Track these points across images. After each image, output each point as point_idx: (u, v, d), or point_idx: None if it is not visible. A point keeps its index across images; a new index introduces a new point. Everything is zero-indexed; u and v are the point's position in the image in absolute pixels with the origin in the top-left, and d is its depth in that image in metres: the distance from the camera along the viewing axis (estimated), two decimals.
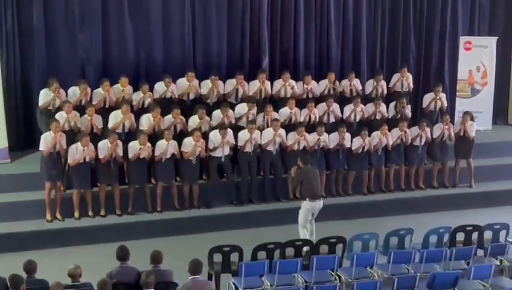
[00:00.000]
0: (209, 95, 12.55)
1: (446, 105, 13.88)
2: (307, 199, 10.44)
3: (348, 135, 12.45)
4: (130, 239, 9.92)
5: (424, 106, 13.80)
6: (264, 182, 12.34)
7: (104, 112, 11.81)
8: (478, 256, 9.53)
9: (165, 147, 11.40)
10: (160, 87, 12.31)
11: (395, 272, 8.86)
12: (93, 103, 11.74)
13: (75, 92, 11.85)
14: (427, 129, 12.92)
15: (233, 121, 12.28)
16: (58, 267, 8.21)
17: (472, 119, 13.24)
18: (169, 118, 11.91)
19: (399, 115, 13.24)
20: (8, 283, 7.17)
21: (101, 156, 11.06)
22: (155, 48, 13.28)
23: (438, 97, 13.63)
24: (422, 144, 12.91)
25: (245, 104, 12.44)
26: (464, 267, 9.06)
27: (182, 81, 12.52)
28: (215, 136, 11.80)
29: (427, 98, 13.78)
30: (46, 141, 10.84)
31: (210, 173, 12.05)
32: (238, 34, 13.82)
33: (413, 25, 15.20)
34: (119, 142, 11.20)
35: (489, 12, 16.00)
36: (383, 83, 13.77)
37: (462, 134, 13.07)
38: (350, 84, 13.51)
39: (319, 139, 12.22)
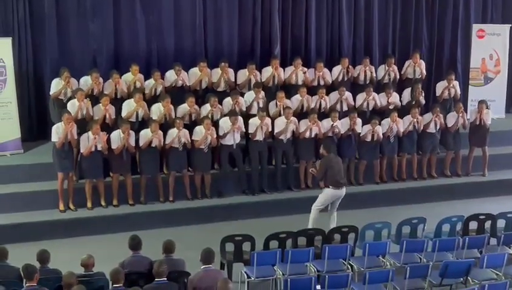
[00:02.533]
0: (219, 82, 12.53)
1: (460, 93, 13.79)
2: (330, 186, 10.45)
3: (359, 120, 12.38)
4: (142, 229, 9.92)
5: (437, 94, 13.69)
6: (276, 172, 12.30)
7: (116, 102, 11.82)
8: (491, 245, 9.49)
9: (176, 135, 11.38)
10: (170, 75, 12.31)
11: (407, 261, 8.84)
12: (105, 93, 11.76)
13: (87, 81, 11.88)
14: (441, 115, 12.82)
15: (244, 109, 12.24)
16: (71, 257, 8.27)
17: (487, 107, 13.16)
18: (184, 106, 11.90)
19: (414, 102, 13.15)
20: (22, 273, 7.22)
21: (114, 147, 11.09)
22: (166, 37, 13.27)
23: (451, 85, 13.53)
24: (436, 130, 12.81)
25: (252, 90, 12.41)
26: (476, 256, 9.04)
27: (194, 71, 12.51)
28: (225, 122, 11.78)
29: (440, 86, 13.69)
30: (58, 131, 10.86)
31: (222, 162, 12.04)
32: (250, 23, 13.77)
33: (425, 12, 15.07)
34: (132, 132, 11.21)
35: None
36: (395, 67, 13.69)
37: (478, 123, 12.98)
38: (365, 70, 13.44)
39: (332, 125, 12.15)
